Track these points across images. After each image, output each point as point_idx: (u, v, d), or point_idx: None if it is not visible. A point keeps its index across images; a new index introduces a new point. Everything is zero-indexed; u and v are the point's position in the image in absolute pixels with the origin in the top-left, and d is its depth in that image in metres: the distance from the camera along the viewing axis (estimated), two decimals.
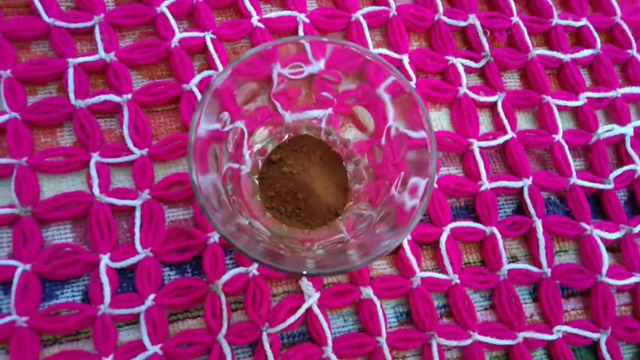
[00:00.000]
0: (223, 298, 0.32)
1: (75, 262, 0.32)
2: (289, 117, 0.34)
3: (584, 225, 0.38)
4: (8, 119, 0.33)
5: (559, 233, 0.37)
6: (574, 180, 0.39)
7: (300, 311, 0.32)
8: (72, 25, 0.35)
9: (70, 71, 0.34)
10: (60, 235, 0.33)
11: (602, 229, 0.38)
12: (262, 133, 0.34)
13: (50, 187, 0.33)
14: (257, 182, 0.33)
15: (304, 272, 0.25)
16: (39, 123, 0.34)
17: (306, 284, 0.33)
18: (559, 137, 0.39)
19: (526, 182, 0.38)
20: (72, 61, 0.35)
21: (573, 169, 0.39)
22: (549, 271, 0.36)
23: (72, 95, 0.34)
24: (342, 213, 0.33)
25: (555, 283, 0.36)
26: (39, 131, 0.34)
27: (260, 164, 0.34)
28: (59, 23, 0.35)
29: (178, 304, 0.32)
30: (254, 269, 0.33)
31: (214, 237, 0.33)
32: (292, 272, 0.25)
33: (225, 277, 0.32)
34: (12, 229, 0.32)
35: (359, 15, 0.39)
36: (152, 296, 0.31)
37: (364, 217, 0.31)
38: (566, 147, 0.39)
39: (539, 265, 0.36)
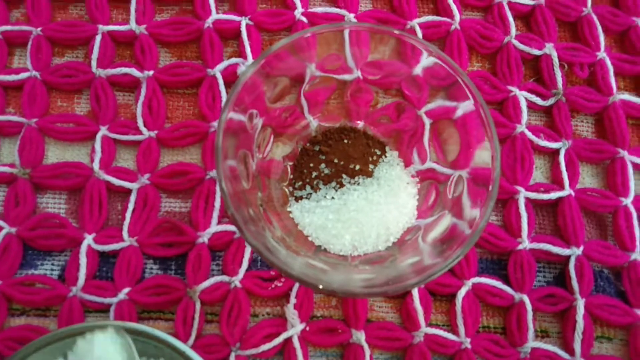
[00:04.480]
0: (198, 305, 0.29)
1: (59, 235, 0.30)
2: (314, 122, 0.31)
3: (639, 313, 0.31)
4: (28, 77, 0.32)
5: (605, 319, 0.31)
6: (637, 256, 0.32)
7: (278, 340, 0.29)
8: None
9: (98, 38, 0.33)
10: (55, 204, 0.31)
11: None
12: (289, 136, 0.31)
13: (55, 154, 0.32)
14: (288, 190, 0.30)
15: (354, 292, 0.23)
16: (57, 86, 0.33)
17: (292, 312, 0.30)
18: (628, 201, 0.33)
19: (575, 252, 0.31)
20: (102, 28, 0.33)
21: (638, 243, 0.32)
22: None
23: (94, 63, 0.33)
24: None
25: None
26: (57, 94, 0.33)
27: (289, 169, 0.31)
28: None
29: (151, 303, 0.29)
30: (237, 280, 0.30)
31: (204, 238, 0.30)
32: (341, 290, 0.23)
33: (206, 284, 0.30)
34: (7, 189, 0.31)
35: (414, 23, 0.34)
36: (126, 290, 0.29)
37: (411, 228, 0.29)
38: (635, 214, 0.33)
39: (572, 353, 0.30)
